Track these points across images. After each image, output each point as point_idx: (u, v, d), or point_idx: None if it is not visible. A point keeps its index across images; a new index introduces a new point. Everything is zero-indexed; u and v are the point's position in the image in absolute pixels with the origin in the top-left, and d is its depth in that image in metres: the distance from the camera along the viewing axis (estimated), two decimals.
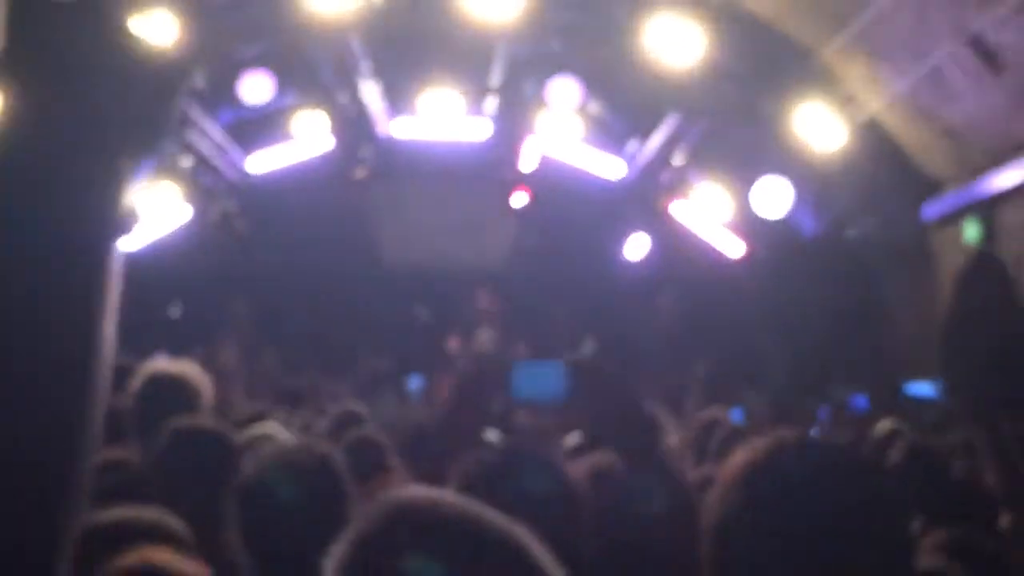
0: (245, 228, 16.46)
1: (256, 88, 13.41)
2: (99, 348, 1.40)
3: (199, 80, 12.29)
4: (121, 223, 1.42)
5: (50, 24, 1.43)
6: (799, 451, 2.21)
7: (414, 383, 13.15)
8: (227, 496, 3.62)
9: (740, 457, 2.21)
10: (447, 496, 1.77)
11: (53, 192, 1.39)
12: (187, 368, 5.24)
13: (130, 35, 1.46)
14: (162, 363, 5.27)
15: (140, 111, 1.47)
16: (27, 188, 1.40)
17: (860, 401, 12.44)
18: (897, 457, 5.59)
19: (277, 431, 6.11)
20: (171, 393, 5.10)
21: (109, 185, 1.42)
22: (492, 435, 5.98)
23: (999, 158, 11.09)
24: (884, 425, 7.85)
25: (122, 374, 6.40)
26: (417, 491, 1.79)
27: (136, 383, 5.16)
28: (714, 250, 15.84)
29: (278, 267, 17.10)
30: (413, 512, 1.71)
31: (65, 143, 1.39)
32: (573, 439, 5.91)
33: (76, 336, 1.38)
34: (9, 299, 1.34)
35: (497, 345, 15.68)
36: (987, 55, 10.23)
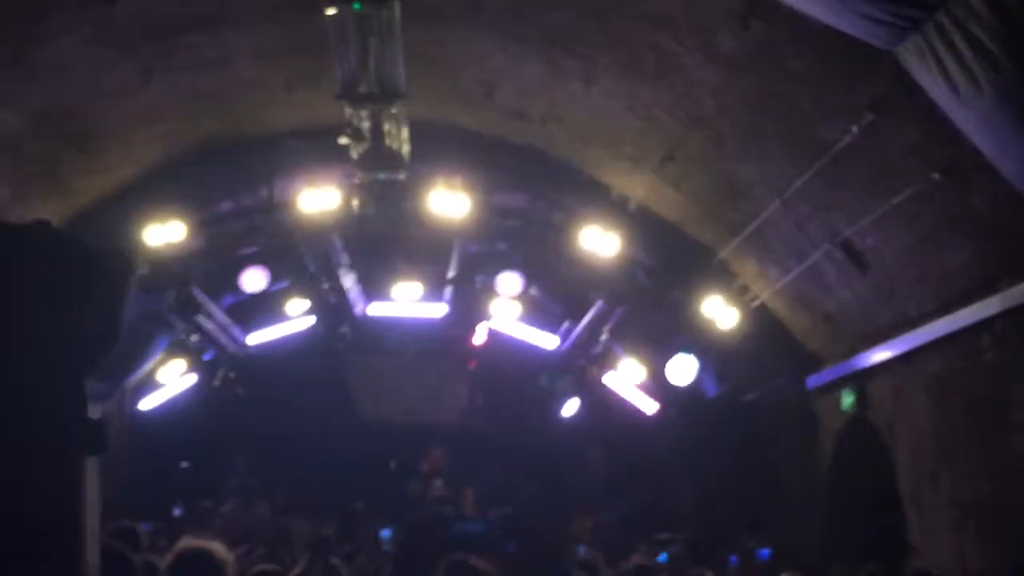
0: (244, 392, 16.36)
1: (253, 280, 13.38)
2: (84, 543, 1.25)
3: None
4: (90, 428, 1.29)
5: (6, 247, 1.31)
6: None
7: (385, 534, 13.11)
8: None
9: None
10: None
11: (24, 403, 1.25)
12: (213, 545, 5.04)
13: (77, 245, 1.36)
14: (191, 540, 5.06)
15: (96, 319, 1.35)
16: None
17: (764, 553, 12.28)
18: None
19: None
20: (201, 565, 4.90)
21: (75, 394, 1.29)
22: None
23: (868, 340, 11.13)
24: None
25: (131, 534, 6.17)
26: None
27: (169, 559, 4.97)
28: (634, 409, 15.78)
29: (271, 424, 16.93)
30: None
31: (28, 358, 1.26)
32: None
33: (63, 532, 1.23)
34: None
35: (447, 491, 15.61)
36: (855, 256, 10.33)
